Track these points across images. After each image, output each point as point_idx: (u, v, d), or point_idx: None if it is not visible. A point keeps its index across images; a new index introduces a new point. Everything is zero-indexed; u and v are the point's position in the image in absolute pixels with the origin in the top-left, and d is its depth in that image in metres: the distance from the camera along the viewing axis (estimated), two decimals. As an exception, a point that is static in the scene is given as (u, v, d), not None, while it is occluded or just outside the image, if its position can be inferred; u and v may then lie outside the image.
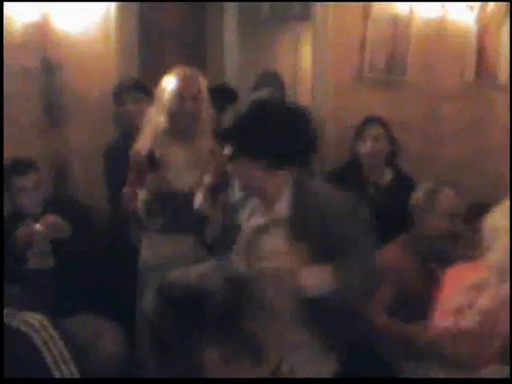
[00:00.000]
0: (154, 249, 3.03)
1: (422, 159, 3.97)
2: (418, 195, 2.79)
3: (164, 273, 1.28)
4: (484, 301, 2.07)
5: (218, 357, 1.17)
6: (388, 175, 3.50)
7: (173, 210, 2.91)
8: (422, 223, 2.74)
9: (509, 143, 3.75)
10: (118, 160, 3.24)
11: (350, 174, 3.49)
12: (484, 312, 2.07)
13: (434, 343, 2.21)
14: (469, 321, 2.10)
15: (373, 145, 3.44)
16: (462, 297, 2.14)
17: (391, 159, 3.51)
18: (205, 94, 2.95)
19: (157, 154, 2.88)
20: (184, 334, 1.18)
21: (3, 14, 3.45)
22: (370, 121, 3.52)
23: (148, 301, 1.24)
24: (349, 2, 3.87)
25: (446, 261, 2.54)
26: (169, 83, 2.91)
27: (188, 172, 2.92)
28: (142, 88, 3.55)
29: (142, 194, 2.90)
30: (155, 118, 2.95)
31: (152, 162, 2.85)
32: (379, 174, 3.48)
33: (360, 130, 3.52)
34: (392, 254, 2.71)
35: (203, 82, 2.97)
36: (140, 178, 2.91)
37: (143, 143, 2.96)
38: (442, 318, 2.21)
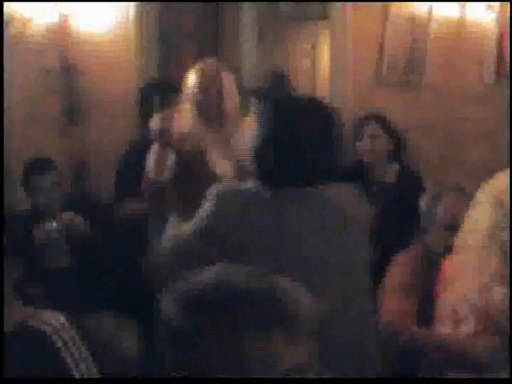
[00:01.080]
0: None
1: (441, 161, 3.95)
2: (424, 199, 2.73)
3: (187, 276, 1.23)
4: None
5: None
6: (393, 173, 3.49)
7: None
8: (428, 231, 2.68)
9: (508, 143, 3.74)
10: (137, 157, 3.25)
11: (354, 172, 3.50)
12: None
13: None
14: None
15: (370, 143, 3.45)
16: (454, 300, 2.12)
17: (396, 156, 3.50)
18: (229, 85, 2.98)
19: (191, 139, 2.91)
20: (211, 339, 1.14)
21: (3, 14, 3.47)
22: (367, 119, 3.52)
23: (171, 307, 1.20)
24: (367, 1, 3.86)
25: None
26: (192, 76, 2.97)
27: (221, 161, 2.96)
28: (173, 88, 3.54)
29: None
30: (184, 113, 3.00)
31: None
32: (383, 172, 3.48)
33: (358, 129, 3.52)
34: (410, 263, 2.66)
35: (227, 75, 3.01)
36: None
37: (176, 128, 2.94)
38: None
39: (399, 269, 2.63)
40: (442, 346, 2.30)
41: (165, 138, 2.86)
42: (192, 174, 2.91)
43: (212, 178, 2.93)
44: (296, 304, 1.16)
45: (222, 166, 2.95)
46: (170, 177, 2.90)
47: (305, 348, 1.16)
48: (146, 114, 3.59)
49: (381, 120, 3.47)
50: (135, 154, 3.35)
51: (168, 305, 1.20)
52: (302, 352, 1.15)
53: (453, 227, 2.52)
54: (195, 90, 2.95)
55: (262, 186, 1.96)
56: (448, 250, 2.48)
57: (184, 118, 2.99)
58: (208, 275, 1.21)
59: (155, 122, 2.95)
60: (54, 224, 3.08)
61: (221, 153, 2.98)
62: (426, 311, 2.50)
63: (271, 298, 1.16)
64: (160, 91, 3.53)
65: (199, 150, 2.94)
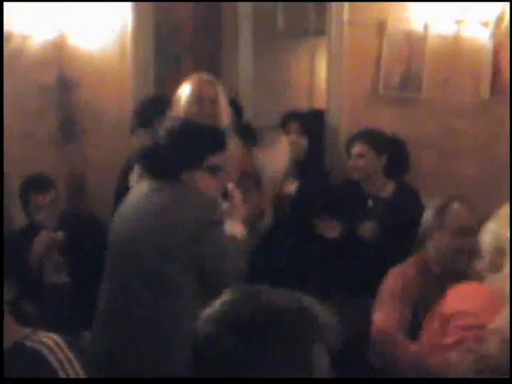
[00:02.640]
0: None
1: (438, 176, 3.95)
2: (428, 213, 2.75)
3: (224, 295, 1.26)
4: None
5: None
6: (389, 188, 3.52)
7: None
8: (434, 241, 2.69)
9: (509, 149, 3.75)
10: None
11: (350, 188, 3.54)
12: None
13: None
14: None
15: (356, 162, 3.51)
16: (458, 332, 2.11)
17: (391, 172, 3.52)
18: (222, 97, 3.01)
19: None
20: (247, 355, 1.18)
21: (3, 14, 3.48)
22: (354, 138, 3.58)
23: (210, 322, 1.22)
24: (363, 1, 3.85)
25: (463, 278, 2.52)
26: (185, 88, 2.99)
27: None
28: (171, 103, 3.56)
29: None
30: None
31: None
32: (379, 188, 3.51)
33: (347, 148, 3.59)
34: (404, 274, 2.68)
35: (220, 87, 3.04)
36: None
37: None
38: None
39: (393, 280, 2.66)
40: (417, 363, 2.33)
41: None
42: None
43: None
44: (320, 314, 1.23)
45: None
46: None
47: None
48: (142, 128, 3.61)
49: (368, 139, 3.51)
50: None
51: (206, 324, 1.22)
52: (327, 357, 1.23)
53: (462, 232, 2.56)
54: (190, 102, 2.95)
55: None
56: (458, 275, 2.51)
57: None
58: (242, 295, 1.26)
59: None
60: (58, 234, 3.10)
61: None
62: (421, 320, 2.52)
63: (302, 313, 1.22)
64: (157, 106, 3.54)
65: None
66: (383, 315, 2.56)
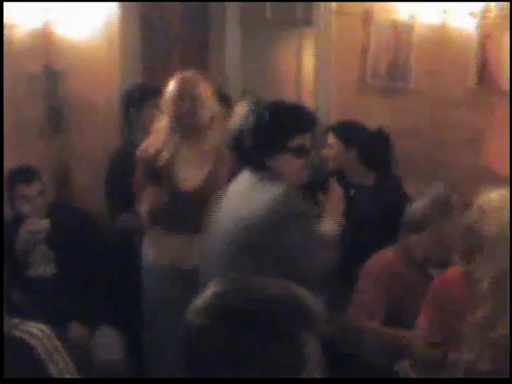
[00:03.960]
0: (160, 250, 3.05)
1: (425, 166, 3.97)
2: (424, 202, 2.74)
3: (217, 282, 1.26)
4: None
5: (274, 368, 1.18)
6: (371, 177, 3.54)
7: (181, 208, 2.95)
8: (432, 230, 2.69)
9: (509, 145, 3.76)
10: (123, 166, 3.26)
11: (336, 176, 3.57)
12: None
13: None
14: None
15: (326, 152, 3.55)
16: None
17: (372, 164, 3.54)
18: (205, 95, 3.02)
19: (164, 153, 2.96)
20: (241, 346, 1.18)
21: (3, 14, 3.46)
22: (328, 129, 3.62)
23: (201, 313, 1.22)
24: (350, 1, 3.86)
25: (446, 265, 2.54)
26: (169, 86, 3.03)
27: (196, 170, 2.99)
28: (159, 92, 3.55)
29: (149, 194, 2.94)
30: (160, 120, 3.06)
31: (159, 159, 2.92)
32: (360, 177, 3.53)
33: (322, 138, 3.62)
34: (387, 257, 2.72)
35: (204, 84, 3.05)
36: (147, 176, 2.95)
37: (151, 143, 3.03)
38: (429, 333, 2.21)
39: (373, 264, 2.71)
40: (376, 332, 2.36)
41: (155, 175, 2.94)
42: (163, 187, 2.94)
43: (179, 191, 2.96)
44: (311, 304, 1.24)
45: (191, 178, 2.97)
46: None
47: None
48: (129, 118, 3.61)
49: (338, 131, 3.54)
50: (121, 165, 3.36)
51: (198, 316, 1.22)
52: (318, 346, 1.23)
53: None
54: (171, 99, 3.00)
55: None
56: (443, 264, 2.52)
57: (160, 131, 3.01)
58: (232, 285, 1.26)
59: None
60: (44, 222, 3.09)
61: (193, 164, 2.99)
62: (400, 309, 2.55)
63: (294, 301, 1.23)
64: (144, 95, 3.54)
65: (170, 164, 2.97)
66: (359, 299, 2.63)
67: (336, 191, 2.50)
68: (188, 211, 2.93)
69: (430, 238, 2.69)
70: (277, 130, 2.31)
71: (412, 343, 2.24)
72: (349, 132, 3.56)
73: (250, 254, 2.25)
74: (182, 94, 2.99)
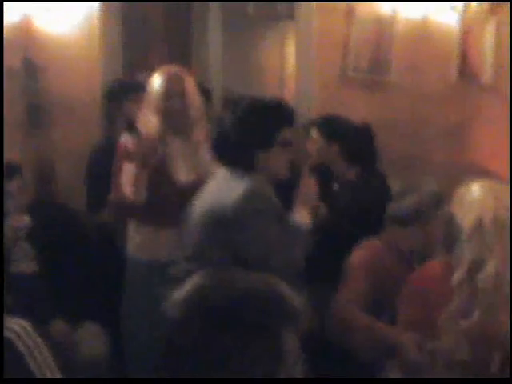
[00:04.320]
0: (147, 244, 3.03)
1: (406, 160, 3.98)
2: (416, 197, 2.74)
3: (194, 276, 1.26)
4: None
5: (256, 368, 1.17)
6: (354, 172, 3.55)
7: (170, 203, 2.94)
8: (419, 224, 2.69)
9: (509, 144, 3.77)
10: (104, 160, 3.23)
11: (319, 170, 3.57)
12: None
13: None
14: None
15: (308, 147, 3.56)
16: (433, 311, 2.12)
17: (354, 159, 3.55)
18: (191, 90, 3.01)
19: (158, 149, 2.94)
20: (219, 342, 1.17)
21: (3, 14, 3.42)
22: (309, 125, 3.62)
23: (180, 306, 1.21)
24: (332, 1, 3.87)
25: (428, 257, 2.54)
26: (155, 83, 2.98)
27: (185, 166, 2.98)
28: (141, 88, 3.53)
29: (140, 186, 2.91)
30: (148, 118, 3.01)
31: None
32: (343, 171, 3.54)
33: (304, 133, 3.63)
34: (374, 248, 2.72)
35: (189, 80, 3.04)
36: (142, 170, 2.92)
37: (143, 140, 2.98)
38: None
39: (361, 253, 2.70)
40: (366, 329, 2.36)
41: (141, 159, 2.87)
42: (155, 182, 2.92)
43: (174, 185, 2.95)
44: (292, 299, 1.23)
45: (185, 173, 2.96)
46: (145, 195, 2.92)
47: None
48: (110, 114, 3.58)
49: (320, 126, 3.54)
50: (101, 159, 3.33)
51: (173, 304, 1.21)
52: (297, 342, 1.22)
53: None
54: (159, 97, 2.96)
55: None
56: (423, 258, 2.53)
57: (149, 126, 2.99)
58: (212, 279, 1.25)
59: (129, 143, 2.95)
60: (25, 218, 3.06)
61: (186, 159, 2.99)
62: (383, 301, 2.55)
63: (274, 296, 1.22)
64: (125, 90, 3.52)
65: (163, 159, 2.96)
66: (346, 289, 2.60)
67: (308, 180, 2.54)
68: (182, 205, 2.93)
69: (416, 232, 2.69)
70: (260, 126, 2.35)
71: (403, 346, 2.22)
72: (331, 127, 3.56)
73: (220, 247, 2.31)
74: (170, 91, 2.96)
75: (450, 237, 2.12)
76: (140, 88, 3.42)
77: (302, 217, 2.45)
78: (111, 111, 3.57)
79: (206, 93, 3.49)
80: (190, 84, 3.03)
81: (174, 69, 3.06)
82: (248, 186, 2.31)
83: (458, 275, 2.04)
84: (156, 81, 2.99)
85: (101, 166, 3.33)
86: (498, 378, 1.98)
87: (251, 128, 2.35)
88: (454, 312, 2.03)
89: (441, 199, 2.65)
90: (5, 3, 3.51)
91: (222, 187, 2.39)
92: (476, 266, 2.02)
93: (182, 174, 2.99)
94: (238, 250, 2.29)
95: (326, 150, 3.54)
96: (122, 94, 3.53)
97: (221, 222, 2.31)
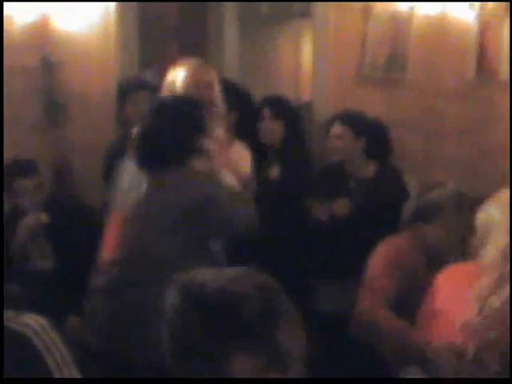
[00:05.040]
0: None
1: (423, 158, 3.96)
2: (441, 193, 2.73)
3: (189, 272, 1.26)
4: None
5: (249, 367, 1.16)
6: (371, 169, 3.53)
7: None
8: (442, 222, 2.68)
9: (510, 143, 3.75)
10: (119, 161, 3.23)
11: (333, 169, 3.55)
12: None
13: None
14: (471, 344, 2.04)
15: (334, 143, 3.53)
16: (464, 310, 2.08)
17: (372, 153, 3.53)
18: (216, 82, 2.95)
19: None
20: (212, 340, 1.17)
21: (3, 14, 3.44)
22: (334, 119, 3.59)
23: (172, 300, 1.22)
24: (349, 1, 3.86)
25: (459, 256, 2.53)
26: (179, 73, 2.90)
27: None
28: (149, 87, 3.54)
29: None
30: None
31: None
32: (360, 169, 3.53)
33: (327, 128, 3.60)
34: (395, 246, 2.69)
35: (213, 71, 2.99)
36: None
37: None
38: (443, 331, 2.17)
39: (384, 250, 2.66)
40: (397, 334, 2.33)
41: None
42: None
43: None
44: (286, 300, 1.22)
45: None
46: None
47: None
48: (123, 111, 3.60)
49: (347, 120, 3.52)
50: (116, 157, 3.33)
51: (170, 297, 1.23)
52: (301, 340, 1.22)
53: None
54: (185, 86, 2.87)
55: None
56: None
57: None
58: (210, 276, 1.24)
59: None
60: (43, 216, 3.07)
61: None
62: (410, 298, 2.52)
63: (270, 297, 1.21)
64: (137, 90, 3.53)
65: None
66: (370, 286, 2.55)
67: (219, 136, 2.67)
68: None
69: (438, 229, 2.68)
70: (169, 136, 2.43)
71: (433, 352, 2.19)
72: (358, 121, 3.54)
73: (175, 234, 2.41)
74: (198, 81, 2.88)
75: (483, 236, 2.09)
76: (147, 87, 3.43)
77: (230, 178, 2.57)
78: (124, 108, 3.59)
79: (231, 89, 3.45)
80: (216, 77, 2.96)
81: (199, 60, 3.00)
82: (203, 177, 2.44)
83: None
84: (182, 70, 2.90)
85: (115, 163, 3.33)
86: (498, 378, 1.96)
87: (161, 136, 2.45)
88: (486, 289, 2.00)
89: (464, 198, 2.64)
90: (23, 3, 3.53)
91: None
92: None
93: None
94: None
95: (352, 145, 3.51)
96: (134, 90, 3.54)
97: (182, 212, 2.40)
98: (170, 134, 2.43)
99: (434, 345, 2.16)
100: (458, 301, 2.11)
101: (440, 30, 3.90)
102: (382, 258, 2.64)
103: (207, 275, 1.25)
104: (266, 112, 3.63)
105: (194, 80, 2.88)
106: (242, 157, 3.00)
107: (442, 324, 2.17)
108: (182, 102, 2.57)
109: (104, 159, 3.50)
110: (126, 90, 3.56)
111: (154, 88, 3.40)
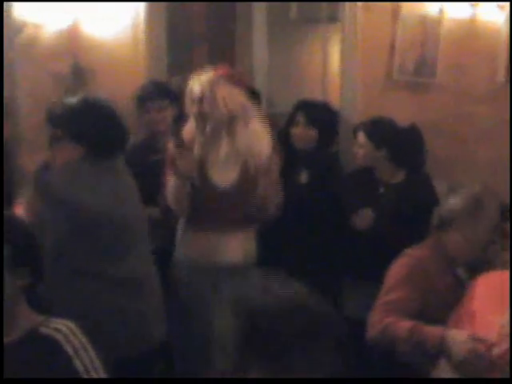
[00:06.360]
0: (188, 246, 3.05)
1: (452, 162, 3.93)
2: (457, 200, 2.69)
3: (239, 291, 1.27)
4: None
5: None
6: (400, 175, 3.51)
7: (208, 206, 2.95)
8: (460, 231, 2.64)
9: (509, 145, 3.72)
10: (135, 166, 3.24)
11: (363, 175, 3.55)
12: None
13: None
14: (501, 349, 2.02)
15: (356, 150, 3.55)
16: (499, 317, 2.06)
17: (401, 162, 3.50)
18: (222, 93, 2.93)
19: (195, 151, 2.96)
20: (264, 358, 1.18)
21: (3, 14, 3.48)
22: (358, 127, 3.59)
23: (224, 320, 1.23)
24: (377, 1, 3.84)
25: (476, 268, 2.49)
26: (189, 87, 2.97)
27: (229, 168, 2.97)
28: (167, 93, 3.56)
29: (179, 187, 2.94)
30: (188, 124, 3.04)
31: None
32: (389, 175, 3.51)
33: (354, 135, 3.62)
34: (415, 257, 2.66)
35: (223, 82, 2.95)
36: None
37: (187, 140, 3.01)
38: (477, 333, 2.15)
39: (403, 261, 2.64)
40: (409, 334, 2.30)
41: (180, 170, 2.91)
42: (195, 188, 2.94)
43: (214, 189, 2.96)
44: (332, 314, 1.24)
45: (223, 176, 2.97)
46: (187, 206, 2.97)
47: None
48: (141, 119, 3.63)
49: (369, 130, 3.51)
50: (135, 161, 3.34)
51: (224, 319, 1.23)
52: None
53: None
54: (192, 101, 2.95)
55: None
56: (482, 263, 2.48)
57: (188, 130, 3.00)
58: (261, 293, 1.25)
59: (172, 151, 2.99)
60: None
61: (226, 162, 2.98)
62: (432, 307, 2.50)
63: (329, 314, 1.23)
64: (155, 98, 3.54)
65: (202, 164, 2.96)
66: (384, 298, 2.54)
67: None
68: (221, 209, 2.94)
69: (459, 236, 2.64)
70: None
71: (451, 342, 2.16)
72: (379, 131, 3.52)
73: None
74: (200, 94, 2.92)
75: None
76: (165, 94, 3.45)
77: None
78: (142, 114, 3.61)
79: (254, 94, 3.47)
80: (223, 88, 2.94)
81: (206, 73, 2.98)
82: None
83: None
84: (189, 85, 2.97)
85: (136, 166, 3.33)
86: (497, 378, 1.94)
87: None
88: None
89: (481, 203, 2.59)
90: (54, 11, 3.59)
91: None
92: None
93: (223, 178, 2.98)
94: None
95: (373, 154, 3.51)
96: (149, 102, 3.55)
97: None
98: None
99: (452, 331, 2.15)
100: (495, 304, 2.09)
101: (470, 33, 3.86)
102: (400, 269, 2.61)
103: (258, 293, 1.25)
104: (300, 117, 3.63)
105: (198, 93, 2.92)
106: (258, 137, 2.98)
107: (478, 325, 2.15)
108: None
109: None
110: (145, 97, 3.57)
111: (175, 95, 3.44)
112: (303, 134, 3.64)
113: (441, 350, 2.22)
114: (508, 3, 3.81)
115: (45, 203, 2.41)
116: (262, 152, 2.95)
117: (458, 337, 2.18)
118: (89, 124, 2.52)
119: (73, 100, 2.58)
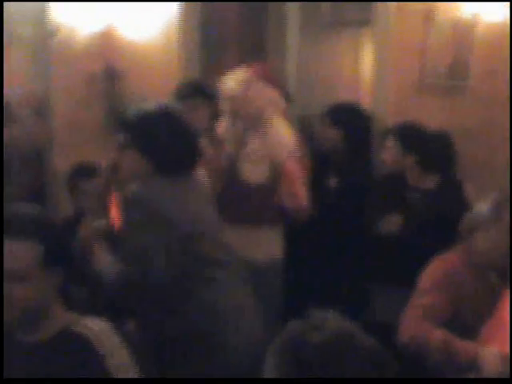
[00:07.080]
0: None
1: (483, 166, 3.89)
2: (484, 204, 2.66)
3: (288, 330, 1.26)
4: None
5: None
6: (432, 180, 3.48)
7: (238, 202, 2.97)
8: (486, 235, 2.62)
9: (509, 145, 3.67)
10: None
11: (394, 179, 3.53)
12: None
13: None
14: None
15: (385, 155, 3.55)
16: None
17: (432, 168, 3.47)
18: (256, 93, 2.98)
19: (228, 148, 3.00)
20: None
21: (3, 14, 3.52)
22: (388, 131, 3.59)
23: (274, 359, 1.23)
24: (410, 1, 3.81)
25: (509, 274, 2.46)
26: (222, 86, 3.04)
27: (261, 165, 3.01)
28: (203, 92, 3.57)
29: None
30: (222, 122, 3.10)
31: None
32: (420, 180, 3.48)
33: (381, 140, 3.60)
34: (447, 262, 2.64)
35: (256, 82, 3.00)
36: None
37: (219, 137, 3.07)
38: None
39: (434, 268, 2.61)
40: (443, 345, 2.28)
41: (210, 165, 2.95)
42: (225, 183, 2.96)
43: (244, 185, 2.97)
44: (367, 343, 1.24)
45: (254, 173, 2.99)
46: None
47: None
48: None
49: (398, 135, 3.50)
50: None
51: (272, 360, 1.23)
52: None
53: None
54: (224, 100, 3.02)
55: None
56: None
57: (222, 128, 3.04)
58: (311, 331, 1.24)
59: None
60: (103, 221, 3.12)
61: (253, 160, 3.00)
62: (464, 313, 2.47)
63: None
64: (189, 98, 3.56)
65: (233, 161, 2.99)
66: (417, 302, 2.50)
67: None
68: (251, 205, 2.96)
69: (487, 241, 2.61)
70: None
71: (484, 361, 2.14)
72: (408, 136, 3.51)
73: None
74: (234, 92, 2.99)
75: None
76: (201, 93, 3.47)
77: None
78: None
79: (285, 94, 3.48)
80: (256, 88, 3.01)
81: (240, 73, 3.05)
82: None
83: None
84: (223, 84, 3.03)
85: None
86: (497, 378, 1.92)
87: None
88: None
89: (508, 208, 2.56)
90: (88, 14, 3.63)
91: None
92: None
93: (254, 175, 3.01)
94: None
95: (401, 160, 3.49)
96: (184, 102, 3.57)
97: None
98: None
99: (485, 350, 2.13)
100: None
101: (503, 38, 3.81)
102: (431, 274, 2.58)
103: (307, 331, 1.25)
104: (330, 119, 3.63)
105: (227, 94, 2.98)
106: (281, 135, 3.02)
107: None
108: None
109: None
110: (184, 95, 3.59)
111: (211, 94, 3.46)
112: (332, 135, 3.64)
113: (473, 367, 2.19)
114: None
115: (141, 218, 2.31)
116: (286, 152, 2.98)
117: (491, 357, 2.15)
118: (162, 138, 2.34)
119: (149, 106, 2.40)
